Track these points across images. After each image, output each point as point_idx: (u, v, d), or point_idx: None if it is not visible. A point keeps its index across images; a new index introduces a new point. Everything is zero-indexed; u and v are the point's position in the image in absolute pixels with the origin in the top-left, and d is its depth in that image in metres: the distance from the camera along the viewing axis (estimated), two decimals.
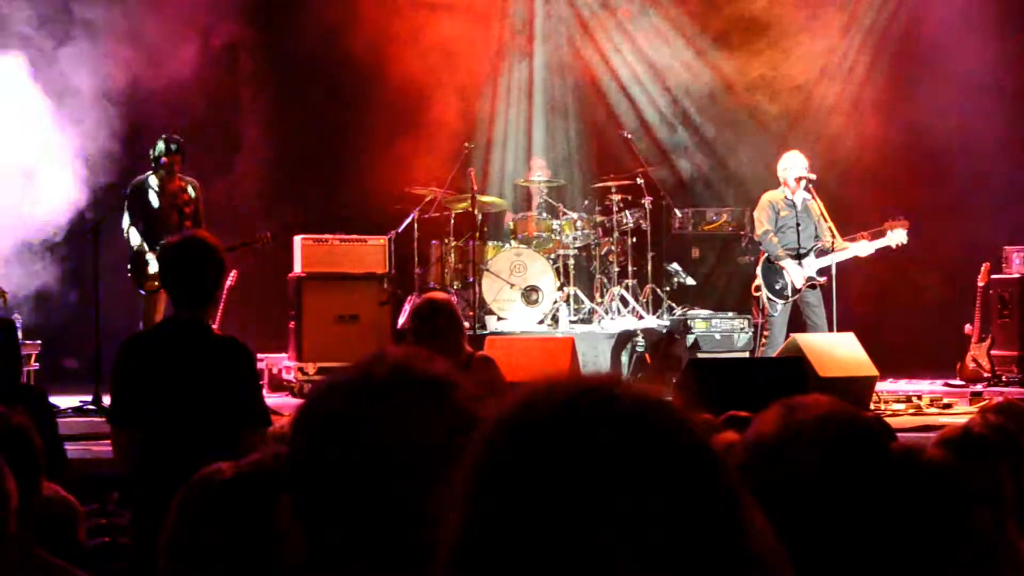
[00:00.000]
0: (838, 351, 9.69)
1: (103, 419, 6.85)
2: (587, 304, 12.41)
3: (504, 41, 14.74)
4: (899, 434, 2.62)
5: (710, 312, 12.23)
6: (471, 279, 11.89)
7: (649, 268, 12.45)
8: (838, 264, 10.68)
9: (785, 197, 10.85)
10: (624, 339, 11.77)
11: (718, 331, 11.94)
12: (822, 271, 10.67)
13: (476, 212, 12.05)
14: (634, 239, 12.55)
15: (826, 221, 10.79)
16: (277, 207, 13.49)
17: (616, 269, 12.42)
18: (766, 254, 10.87)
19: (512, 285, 11.96)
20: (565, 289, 12.29)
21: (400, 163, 13.16)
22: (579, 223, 12.57)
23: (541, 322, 12.05)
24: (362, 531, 1.52)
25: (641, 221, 12.47)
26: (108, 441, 4.89)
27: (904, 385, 11.70)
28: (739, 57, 14.65)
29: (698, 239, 13.39)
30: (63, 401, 9.65)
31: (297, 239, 11.80)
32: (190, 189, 10.12)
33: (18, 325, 9.30)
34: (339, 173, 13.86)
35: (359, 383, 1.58)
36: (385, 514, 1.51)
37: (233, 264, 10.21)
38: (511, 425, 1.16)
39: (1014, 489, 2.63)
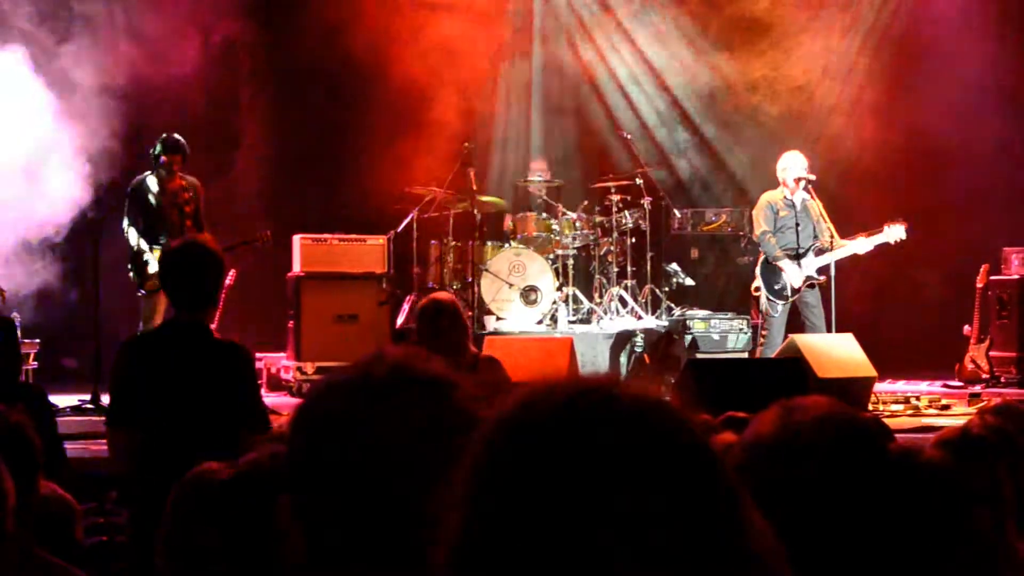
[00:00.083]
0: (836, 352, 9.69)
1: (102, 418, 6.85)
2: (586, 304, 12.40)
3: (504, 41, 14.73)
4: (897, 435, 2.62)
5: (709, 312, 12.21)
6: (470, 279, 11.89)
7: (648, 268, 12.45)
8: (837, 264, 10.68)
9: (784, 197, 10.83)
10: (623, 339, 11.77)
11: (717, 331, 11.93)
12: (821, 270, 10.67)
13: (475, 212, 12.06)
14: (633, 239, 12.54)
15: (825, 221, 10.78)
16: (277, 206, 13.49)
17: (615, 269, 12.41)
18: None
19: (511, 285, 11.95)
20: (564, 289, 12.28)
21: (400, 163, 13.15)
22: (578, 223, 12.55)
23: (540, 322, 12.05)
24: (362, 531, 1.52)
25: (640, 221, 12.46)
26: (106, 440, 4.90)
27: (903, 386, 11.68)
28: (740, 58, 14.65)
29: (697, 240, 13.37)
30: (62, 400, 9.64)
31: (296, 238, 11.80)
32: (191, 189, 10.12)
33: (18, 324, 9.28)
34: (339, 173, 13.85)
35: (358, 383, 1.58)
36: (385, 514, 1.51)
37: (232, 263, 10.20)
38: (511, 425, 1.17)
39: (1013, 490, 2.63)
